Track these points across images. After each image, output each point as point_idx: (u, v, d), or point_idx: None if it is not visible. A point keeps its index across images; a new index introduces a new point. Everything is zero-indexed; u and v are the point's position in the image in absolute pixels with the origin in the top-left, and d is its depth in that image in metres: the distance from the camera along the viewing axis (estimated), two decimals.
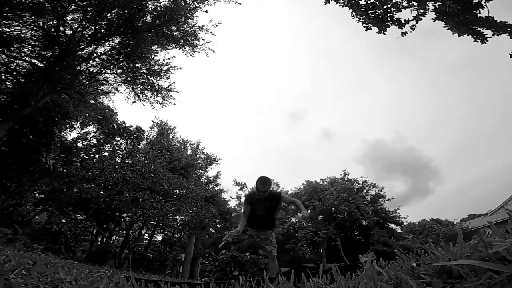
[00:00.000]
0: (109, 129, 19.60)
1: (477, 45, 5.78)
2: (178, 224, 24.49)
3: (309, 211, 30.44)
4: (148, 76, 13.87)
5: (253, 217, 3.98)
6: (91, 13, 11.84)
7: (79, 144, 18.91)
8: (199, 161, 27.22)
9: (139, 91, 14.20)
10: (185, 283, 2.42)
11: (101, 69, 13.64)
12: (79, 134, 18.84)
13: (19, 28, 11.58)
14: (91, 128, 19.34)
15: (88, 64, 13.52)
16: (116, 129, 19.97)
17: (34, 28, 11.77)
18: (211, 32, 13.09)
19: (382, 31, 6.29)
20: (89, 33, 12.60)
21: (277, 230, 28.72)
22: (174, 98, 14.32)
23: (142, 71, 13.78)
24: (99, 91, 14.97)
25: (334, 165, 74.80)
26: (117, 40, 12.92)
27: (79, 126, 18.23)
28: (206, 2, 12.57)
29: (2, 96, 12.54)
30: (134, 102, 14.43)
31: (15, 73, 12.58)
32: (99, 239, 21.78)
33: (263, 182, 3.76)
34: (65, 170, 15.95)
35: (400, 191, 67.83)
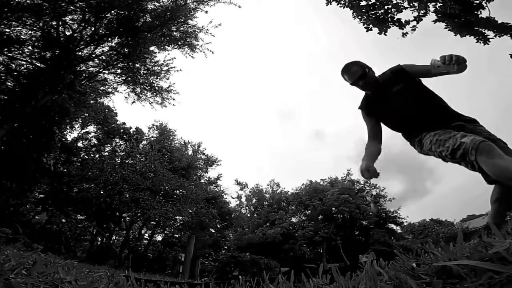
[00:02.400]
0: (109, 129, 19.64)
1: (477, 45, 5.78)
2: (178, 224, 24.53)
3: (309, 211, 30.44)
4: (148, 77, 13.90)
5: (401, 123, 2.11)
6: (90, 14, 11.86)
7: (79, 144, 18.95)
8: (200, 162, 27.28)
9: (139, 91, 14.23)
10: (185, 283, 2.43)
11: (101, 70, 13.67)
12: (79, 134, 18.88)
13: (19, 28, 11.60)
14: (91, 128, 19.40)
15: (88, 65, 13.55)
16: (116, 129, 20.01)
17: (34, 29, 11.80)
18: (211, 33, 13.15)
19: (383, 32, 6.30)
20: (89, 33, 12.62)
21: (276, 230, 28.73)
22: (174, 99, 14.37)
23: (141, 71, 13.81)
24: (99, 91, 15.00)
25: (331, 164, 74.79)
26: (116, 40, 12.95)
27: (79, 126, 18.27)
28: (206, 3, 12.60)
29: (2, 96, 12.55)
30: (133, 102, 14.47)
31: (15, 73, 12.60)
32: (99, 239, 21.80)
33: (347, 70, 2.14)
34: (65, 170, 15.98)
35: (397, 191, 67.84)
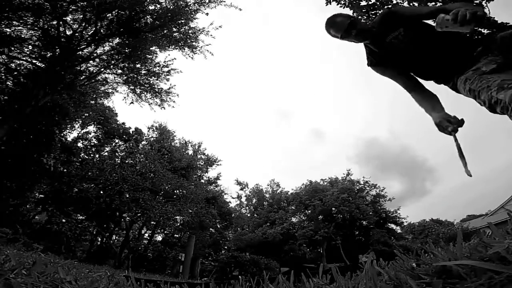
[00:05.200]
0: (109, 130, 19.64)
1: None
2: (178, 224, 24.52)
3: (309, 211, 30.42)
4: (148, 77, 13.90)
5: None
6: (91, 14, 11.87)
7: (79, 144, 18.94)
8: (200, 162, 27.27)
9: (139, 92, 14.24)
10: (185, 283, 2.42)
11: (101, 70, 13.68)
12: (79, 134, 18.88)
13: (19, 28, 11.61)
14: (91, 128, 19.41)
15: (88, 64, 13.55)
16: (116, 129, 20.01)
17: (35, 28, 11.80)
18: (211, 35, 13.13)
19: None
20: (89, 33, 12.62)
21: (276, 230, 28.76)
22: (174, 101, 14.38)
23: (142, 72, 13.81)
24: (99, 91, 15.01)
25: (331, 164, 74.83)
26: (117, 40, 12.95)
27: (79, 126, 18.27)
28: (207, 5, 12.59)
29: (2, 96, 12.55)
30: (132, 102, 14.48)
31: (15, 73, 12.60)
32: (99, 239, 21.79)
33: (332, 22, 1.77)
34: (65, 170, 15.97)
35: (396, 191, 67.85)
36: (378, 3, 6.26)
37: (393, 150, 78.89)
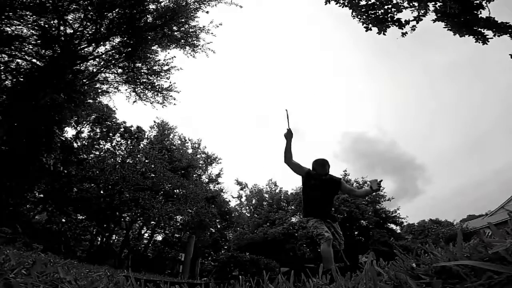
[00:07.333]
0: (109, 129, 19.64)
1: (473, 45, 5.78)
2: (178, 224, 24.54)
3: None
4: (149, 76, 13.90)
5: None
6: (91, 13, 11.86)
7: (79, 144, 18.93)
8: (200, 161, 27.27)
9: (140, 91, 14.24)
10: (185, 283, 2.42)
11: (102, 69, 13.67)
12: (78, 133, 18.87)
13: (20, 27, 11.59)
14: (90, 127, 19.40)
15: (89, 64, 13.55)
16: (116, 128, 20.01)
17: (35, 27, 11.78)
18: (212, 33, 13.16)
19: (382, 32, 6.29)
20: (90, 32, 12.61)
21: (277, 230, 28.75)
22: (174, 99, 14.39)
23: (142, 71, 13.81)
24: (100, 90, 14.99)
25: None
26: (117, 39, 12.95)
27: (79, 125, 18.26)
28: (207, 3, 12.61)
29: (2, 95, 12.54)
30: (134, 101, 14.47)
31: (15, 72, 12.58)
32: (99, 239, 21.79)
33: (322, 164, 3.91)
34: (65, 170, 15.96)
35: (388, 191, 67.41)
36: (377, 3, 6.25)
37: (381, 147, 77.89)
